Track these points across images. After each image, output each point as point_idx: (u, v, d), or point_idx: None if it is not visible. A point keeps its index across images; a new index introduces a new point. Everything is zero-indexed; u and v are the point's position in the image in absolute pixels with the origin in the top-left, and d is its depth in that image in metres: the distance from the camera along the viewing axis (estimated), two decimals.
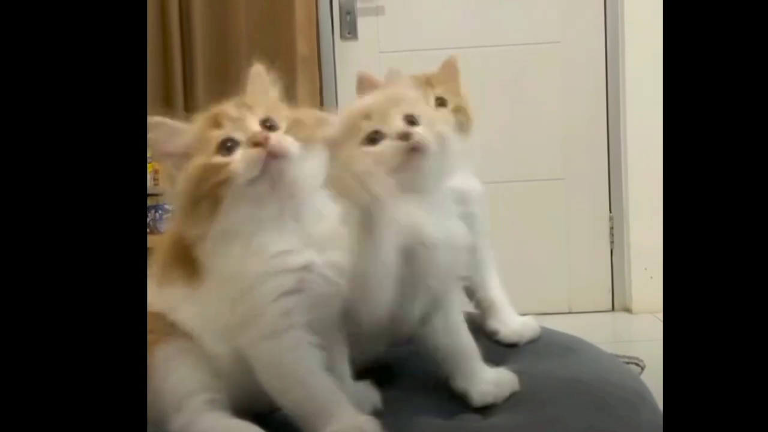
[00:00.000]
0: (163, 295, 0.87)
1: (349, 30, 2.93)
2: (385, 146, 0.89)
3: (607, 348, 1.17)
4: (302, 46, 2.76)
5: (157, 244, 0.93)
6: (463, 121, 1.15)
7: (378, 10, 2.93)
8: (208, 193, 0.81)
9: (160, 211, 2.46)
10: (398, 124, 0.90)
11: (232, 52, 2.75)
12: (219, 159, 0.82)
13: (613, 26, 2.91)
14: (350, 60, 2.92)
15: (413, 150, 0.88)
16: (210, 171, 0.81)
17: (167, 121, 0.85)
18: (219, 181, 0.81)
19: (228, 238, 0.82)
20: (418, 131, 0.89)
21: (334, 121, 0.93)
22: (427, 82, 1.18)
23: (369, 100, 0.95)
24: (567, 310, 2.95)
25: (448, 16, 2.89)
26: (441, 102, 1.17)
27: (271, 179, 0.81)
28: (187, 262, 0.86)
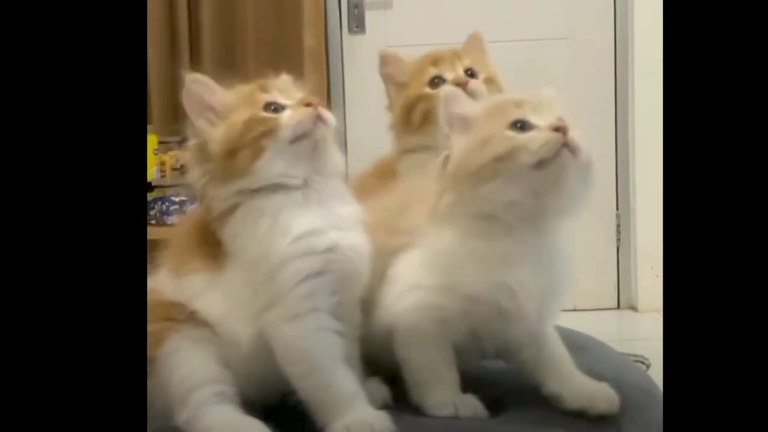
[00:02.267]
0: (182, 285, 0.87)
1: (357, 24, 2.92)
2: (537, 135, 0.84)
3: (612, 346, 1.17)
4: (310, 40, 2.75)
5: (173, 235, 0.94)
6: (495, 92, 1.11)
7: (386, 4, 2.92)
8: (251, 143, 0.85)
9: (166, 203, 2.46)
10: (550, 119, 0.86)
11: (239, 45, 2.74)
12: (266, 114, 0.87)
13: (622, 22, 2.90)
14: (358, 54, 2.91)
15: (566, 146, 0.83)
16: (257, 123, 0.86)
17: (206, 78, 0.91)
18: (265, 131, 0.85)
19: (255, 216, 0.84)
20: (574, 131, 0.84)
21: (477, 107, 0.89)
22: (454, 54, 1.15)
23: (516, 94, 0.92)
24: (572, 308, 2.94)
25: (456, 11, 2.88)
26: (471, 73, 1.15)
27: (315, 140, 0.86)
28: (208, 250, 0.86)
